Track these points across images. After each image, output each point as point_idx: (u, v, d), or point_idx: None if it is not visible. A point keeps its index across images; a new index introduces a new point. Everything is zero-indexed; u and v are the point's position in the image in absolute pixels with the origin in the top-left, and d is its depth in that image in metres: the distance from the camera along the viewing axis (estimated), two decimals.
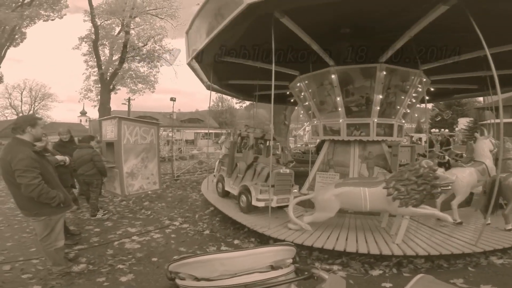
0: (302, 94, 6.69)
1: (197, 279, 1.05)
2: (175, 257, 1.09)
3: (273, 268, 1.12)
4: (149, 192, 7.37)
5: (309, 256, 3.51)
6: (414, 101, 6.40)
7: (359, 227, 4.06)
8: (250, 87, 8.13)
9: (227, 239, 4.17)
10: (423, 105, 7.72)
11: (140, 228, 4.68)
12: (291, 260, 1.19)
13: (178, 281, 1.10)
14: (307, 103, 6.68)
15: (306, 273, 1.12)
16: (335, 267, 3.20)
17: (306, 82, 6.38)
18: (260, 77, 6.60)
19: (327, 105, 6.27)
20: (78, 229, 4.54)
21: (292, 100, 8.77)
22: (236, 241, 4.10)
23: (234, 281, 1.02)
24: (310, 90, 6.41)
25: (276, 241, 3.47)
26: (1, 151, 2.74)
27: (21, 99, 38.46)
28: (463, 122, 34.71)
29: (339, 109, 5.86)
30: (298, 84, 6.57)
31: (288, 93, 8.19)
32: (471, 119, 32.38)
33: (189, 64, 6.35)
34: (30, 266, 3.26)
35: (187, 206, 6.21)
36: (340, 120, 5.89)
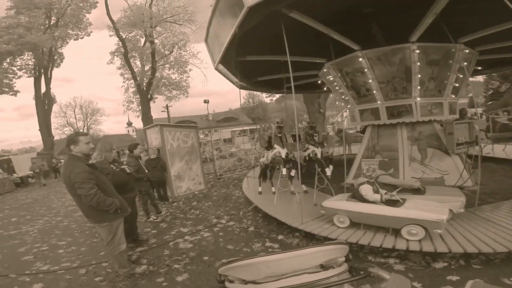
0: (365, 70, 5.78)
1: (244, 281, 1.04)
2: (223, 260, 1.09)
3: (323, 268, 1.06)
4: (196, 192, 7.74)
5: (361, 250, 3.31)
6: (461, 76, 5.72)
7: None
8: (279, 80, 7.87)
9: (271, 235, 4.18)
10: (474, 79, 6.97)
11: (191, 228, 4.93)
12: (343, 259, 1.11)
13: (227, 284, 1.10)
14: (370, 81, 5.83)
15: (361, 272, 1.04)
16: (391, 261, 2.98)
17: (370, 59, 5.60)
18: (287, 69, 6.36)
19: (395, 85, 5.58)
20: (142, 234, 4.79)
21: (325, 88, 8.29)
22: (280, 237, 4.07)
23: (280, 283, 0.98)
24: (372, 70, 5.67)
25: (326, 239, 3.34)
26: (61, 167, 3.08)
27: (75, 116, 41.21)
28: None
29: (415, 87, 5.33)
30: (359, 60, 5.75)
31: (319, 82, 7.79)
32: None
33: (216, 69, 6.42)
34: (101, 269, 3.63)
35: (232, 204, 6.37)
36: (416, 100, 5.37)
